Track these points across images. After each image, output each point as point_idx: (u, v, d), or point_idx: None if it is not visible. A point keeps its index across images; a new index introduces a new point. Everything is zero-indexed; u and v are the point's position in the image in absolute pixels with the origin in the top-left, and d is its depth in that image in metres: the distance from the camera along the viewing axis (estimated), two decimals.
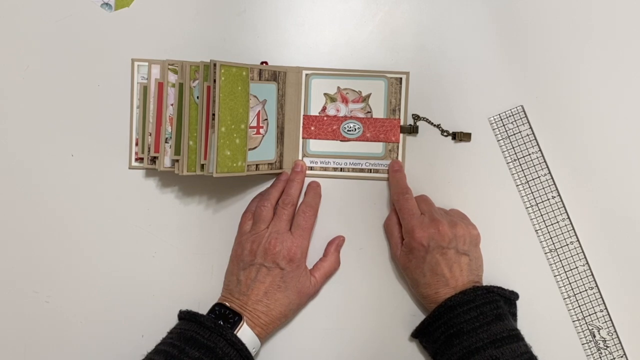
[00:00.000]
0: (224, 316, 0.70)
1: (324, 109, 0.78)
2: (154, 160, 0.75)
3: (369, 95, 0.78)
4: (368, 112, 0.78)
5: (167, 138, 0.74)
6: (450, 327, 0.69)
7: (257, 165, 0.75)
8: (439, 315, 0.70)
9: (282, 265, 0.72)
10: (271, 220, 0.74)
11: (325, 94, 0.78)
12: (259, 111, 0.75)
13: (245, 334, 0.69)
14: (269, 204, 0.74)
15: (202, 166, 0.71)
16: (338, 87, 0.78)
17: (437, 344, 0.70)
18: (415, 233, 0.71)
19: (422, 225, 0.71)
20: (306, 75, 0.78)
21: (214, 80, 0.70)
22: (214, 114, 0.70)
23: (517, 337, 0.68)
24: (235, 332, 0.69)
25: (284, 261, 0.72)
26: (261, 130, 0.75)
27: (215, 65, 0.69)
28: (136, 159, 0.78)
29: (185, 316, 0.71)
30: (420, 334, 0.73)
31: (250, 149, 0.74)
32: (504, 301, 0.71)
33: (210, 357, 0.66)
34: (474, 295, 0.69)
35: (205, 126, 0.71)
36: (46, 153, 0.78)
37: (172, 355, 0.66)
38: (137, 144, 0.77)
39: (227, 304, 0.71)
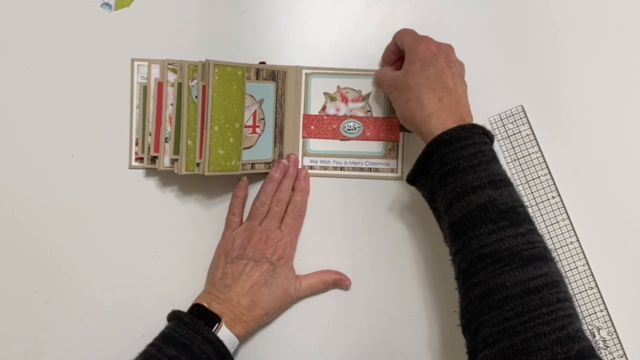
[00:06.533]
0: (203, 317, 0.70)
1: (324, 108, 0.78)
2: (154, 159, 0.75)
3: (368, 94, 0.78)
4: (368, 111, 0.78)
5: (166, 137, 0.74)
6: (446, 163, 0.63)
7: (252, 164, 0.75)
8: (433, 151, 0.64)
9: (271, 260, 0.73)
10: (264, 217, 0.75)
11: (325, 93, 0.78)
12: (255, 110, 0.75)
13: (223, 334, 0.69)
14: (267, 205, 0.76)
15: (199, 165, 0.72)
16: (338, 86, 0.78)
17: (433, 182, 0.65)
18: (424, 42, 0.69)
19: (431, 40, 0.70)
20: (306, 74, 0.78)
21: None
22: None
23: (513, 185, 0.64)
24: (212, 331, 0.69)
25: (274, 257, 0.73)
26: (257, 130, 0.75)
27: (209, 65, 0.70)
28: (136, 159, 0.78)
29: (170, 316, 0.71)
30: (416, 175, 0.68)
31: (245, 148, 0.74)
32: None
33: (187, 355, 0.66)
34: (471, 132, 0.64)
35: (201, 125, 0.71)
36: (46, 153, 0.78)
37: (150, 355, 0.67)
38: (137, 144, 0.77)
39: (205, 304, 0.71)
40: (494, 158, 0.64)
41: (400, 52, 0.74)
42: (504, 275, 0.58)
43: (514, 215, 0.60)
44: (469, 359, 0.61)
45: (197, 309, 0.71)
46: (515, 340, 0.56)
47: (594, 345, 0.73)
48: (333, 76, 0.78)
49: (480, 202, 0.61)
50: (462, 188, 0.62)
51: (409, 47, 0.70)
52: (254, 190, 0.78)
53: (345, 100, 0.78)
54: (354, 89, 0.78)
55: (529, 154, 0.77)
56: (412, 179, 0.68)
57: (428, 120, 0.65)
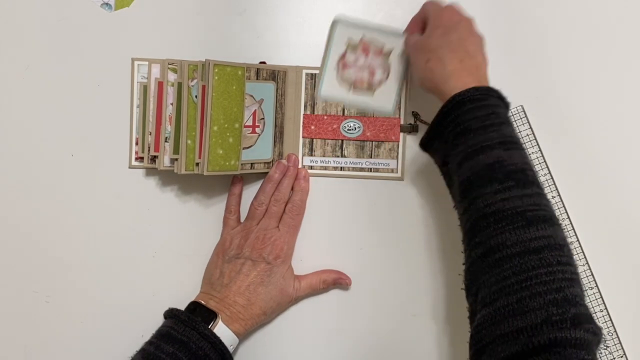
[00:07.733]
0: (200, 314, 0.70)
1: (342, 56, 0.78)
2: (154, 159, 0.75)
3: (390, 52, 0.77)
4: (386, 70, 0.77)
5: (166, 137, 0.74)
6: (459, 124, 0.63)
7: (252, 164, 0.75)
8: (448, 112, 0.65)
9: (268, 259, 0.73)
10: (262, 217, 0.75)
11: (349, 39, 0.77)
12: (255, 110, 0.75)
13: (221, 330, 0.69)
14: (265, 205, 0.76)
15: (198, 165, 0.72)
16: (362, 36, 0.77)
17: (447, 144, 0.65)
18: (448, 9, 0.70)
19: (455, 9, 0.70)
20: (306, 74, 0.78)
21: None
22: None
23: (525, 149, 0.64)
24: (209, 327, 0.69)
25: (271, 256, 0.73)
26: (257, 130, 0.75)
27: (209, 64, 0.70)
28: (136, 158, 0.78)
29: (167, 314, 0.72)
30: (429, 139, 0.68)
31: (245, 148, 0.74)
32: None
33: (184, 352, 0.67)
34: (486, 94, 0.64)
35: (201, 125, 0.71)
36: (46, 153, 0.78)
37: (148, 353, 0.67)
38: (137, 143, 0.77)
39: (202, 302, 0.71)
40: (507, 121, 0.64)
41: (424, 24, 0.74)
42: (505, 234, 0.58)
43: (522, 176, 0.60)
44: (469, 323, 0.60)
45: (194, 307, 0.71)
46: (511, 299, 0.55)
47: None
48: (361, 29, 0.77)
49: (488, 162, 0.61)
50: (472, 148, 0.62)
51: (433, 14, 0.70)
52: (253, 190, 0.78)
53: (366, 52, 0.77)
54: (377, 43, 0.77)
55: (529, 154, 0.77)
56: (426, 143, 0.68)
57: (449, 79, 0.66)
